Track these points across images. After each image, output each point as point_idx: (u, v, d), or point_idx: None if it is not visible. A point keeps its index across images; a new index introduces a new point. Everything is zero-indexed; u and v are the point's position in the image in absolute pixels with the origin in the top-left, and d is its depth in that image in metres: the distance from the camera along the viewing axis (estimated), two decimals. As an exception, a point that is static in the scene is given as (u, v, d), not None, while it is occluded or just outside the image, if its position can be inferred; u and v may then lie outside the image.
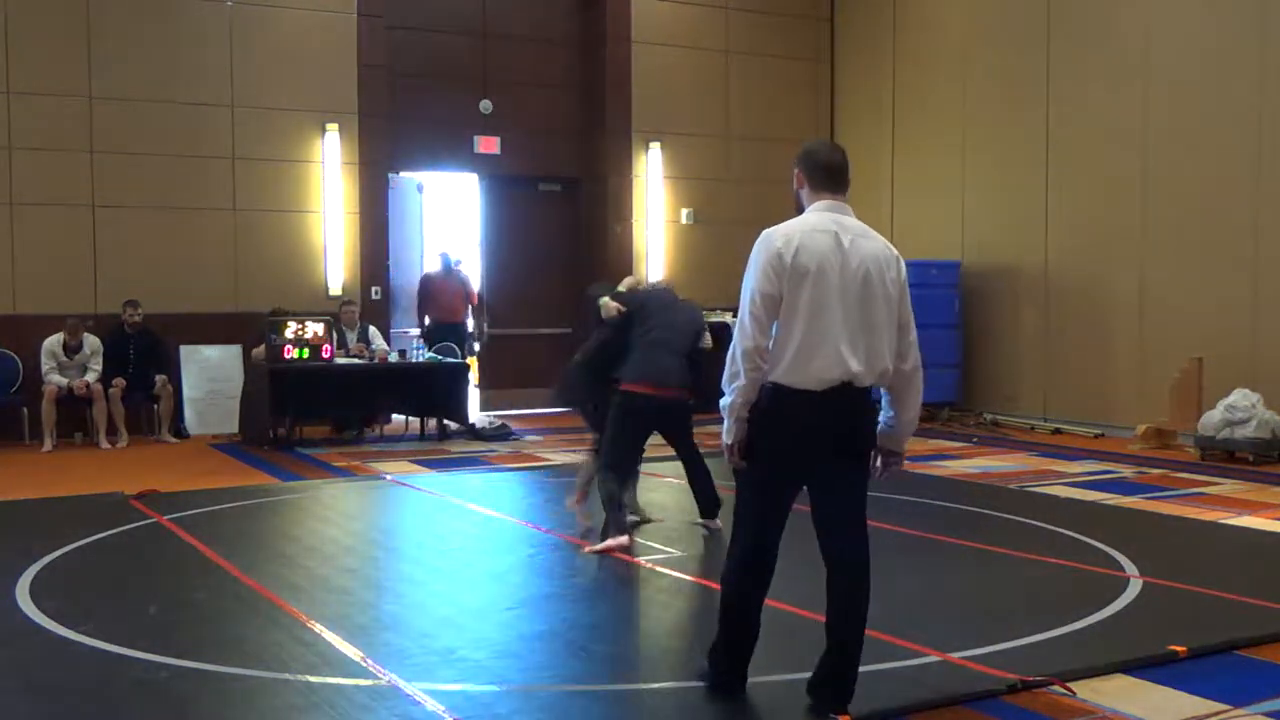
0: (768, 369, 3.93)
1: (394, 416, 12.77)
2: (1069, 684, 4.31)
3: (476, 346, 13.75)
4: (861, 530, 4.08)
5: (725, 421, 4.00)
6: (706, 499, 7.35)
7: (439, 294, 13.27)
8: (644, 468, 9.71)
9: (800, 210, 4.14)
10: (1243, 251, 10.85)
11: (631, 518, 7.27)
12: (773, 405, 3.94)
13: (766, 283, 3.91)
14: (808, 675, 4.26)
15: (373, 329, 12.23)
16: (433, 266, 13.52)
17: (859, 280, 3.94)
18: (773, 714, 4.15)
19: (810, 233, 3.97)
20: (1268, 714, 4.09)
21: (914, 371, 4.11)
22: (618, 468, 6.96)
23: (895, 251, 4.11)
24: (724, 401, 3.99)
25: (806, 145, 4.20)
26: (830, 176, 4.10)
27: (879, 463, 4.15)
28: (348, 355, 11.74)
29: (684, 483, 9.04)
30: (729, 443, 4.00)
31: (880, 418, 4.14)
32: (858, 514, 4.08)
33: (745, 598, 4.10)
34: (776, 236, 3.96)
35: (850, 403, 3.96)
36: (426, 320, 13.24)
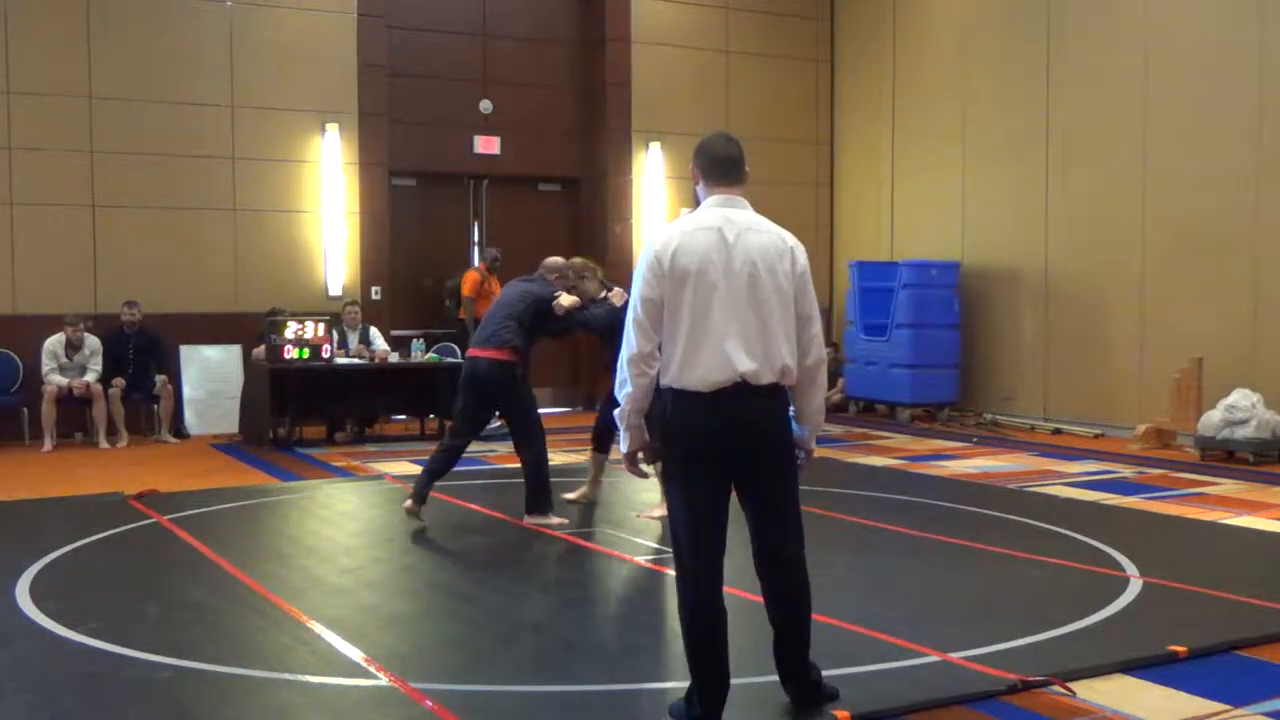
0: (659, 374, 3.89)
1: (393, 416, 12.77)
2: (1069, 684, 4.31)
3: None
4: (790, 532, 4.03)
5: (620, 431, 3.98)
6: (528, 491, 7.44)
7: (489, 293, 13.15)
8: (642, 467, 9.71)
9: (697, 203, 4.08)
10: (1243, 251, 10.85)
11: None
12: (669, 411, 3.90)
13: (646, 287, 3.87)
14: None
15: (374, 329, 12.23)
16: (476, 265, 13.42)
17: (745, 276, 3.85)
18: (772, 713, 4.15)
19: (692, 232, 3.90)
20: (1268, 714, 4.09)
21: (816, 366, 4.00)
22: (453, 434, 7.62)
23: (792, 242, 4.01)
24: (617, 413, 3.97)
25: (702, 139, 4.10)
26: (722, 170, 4.01)
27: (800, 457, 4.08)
28: (348, 356, 11.74)
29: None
30: (626, 451, 4.00)
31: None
32: (782, 515, 4.02)
33: (700, 617, 3.96)
34: (657, 241, 3.91)
35: (749, 402, 3.84)
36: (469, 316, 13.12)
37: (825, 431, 12.60)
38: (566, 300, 7.53)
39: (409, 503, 7.35)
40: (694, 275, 3.83)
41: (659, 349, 3.88)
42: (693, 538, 3.93)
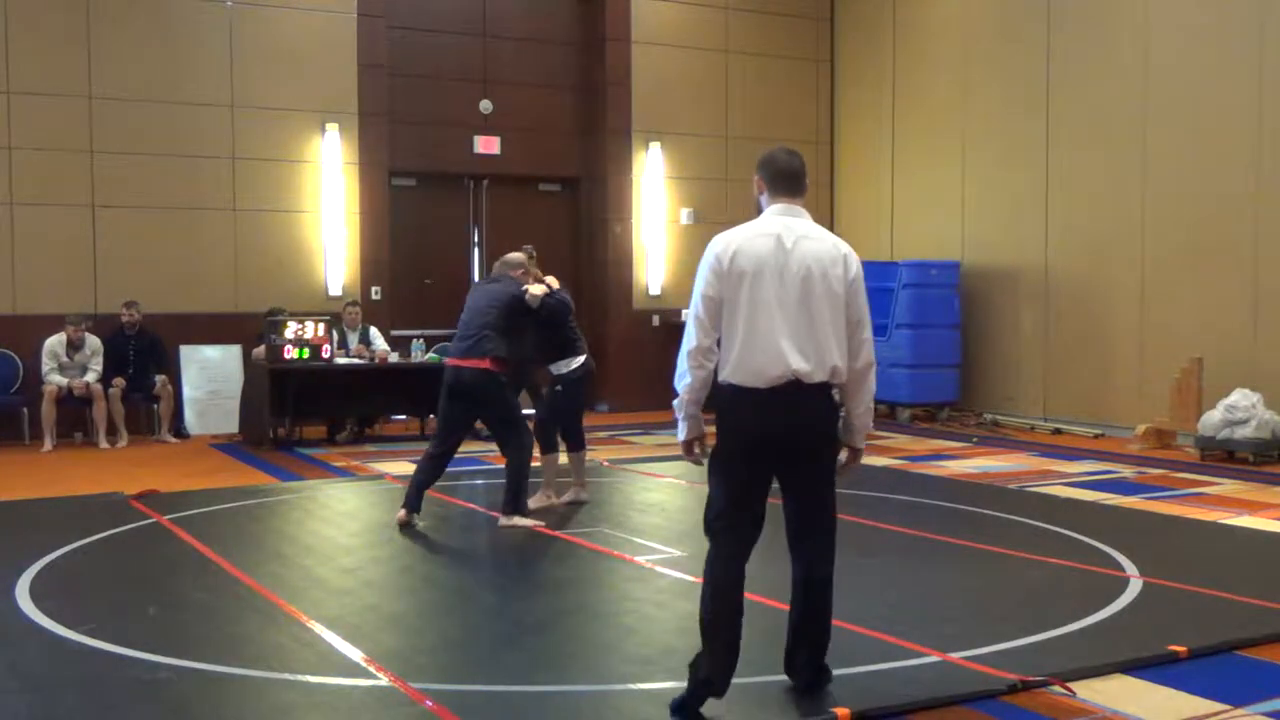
0: (718, 368, 4.09)
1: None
2: (1069, 684, 4.31)
3: None
4: (824, 527, 4.21)
5: (679, 420, 4.16)
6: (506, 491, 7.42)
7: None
8: (643, 467, 9.73)
9: (759, 213, 4.28)
10: (1243, 251, 10.85)
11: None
12: (726, 403, 4.10)
13: (707, 286, 4.08)
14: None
15: (374, 329, 12.23)
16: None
17: (799, 280, 4.05)
18: (771, 713, 4.15)
19: (752, 238, 4.12)
20: (1268, 714, 4.09)
21: (866, 369, 4.18)
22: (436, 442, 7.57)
23: (845, 251, 4.20)
24: (676, 403, 4.16)
25: (765, 153, 4.37)
26: (785, 181, 4.26)
27: (843, 457, 4.27)
28: (348, 356, 11.73)
29: (687, 483, 9.07)
30: (683, 439, 4.19)
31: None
32: (820, 513, 4.20)
33: (718, 589, 4.11)
34: (718, 242, 4.14)
35: (801, 400, 4.04)
36: None
37: (703, 449, 12.59)
38: (537, 289, 7.55)
39: (401, 513, 7.36)
40: (751, 277, 4.04)
41: (717, 344, 4.08)
42: (726, 521, 4.11)
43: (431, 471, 7.44)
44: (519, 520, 7.30)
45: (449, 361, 7.48)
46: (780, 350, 4.00)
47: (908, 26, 14.39)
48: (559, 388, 7.86)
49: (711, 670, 4.05)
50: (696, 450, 4.21)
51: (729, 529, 4.11)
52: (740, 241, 4.11)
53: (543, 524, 7.35)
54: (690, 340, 4.09)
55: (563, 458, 8.09)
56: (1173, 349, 11.16)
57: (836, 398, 4.19)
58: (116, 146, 11.98)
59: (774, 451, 4.08)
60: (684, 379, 4.10)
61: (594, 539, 6.99)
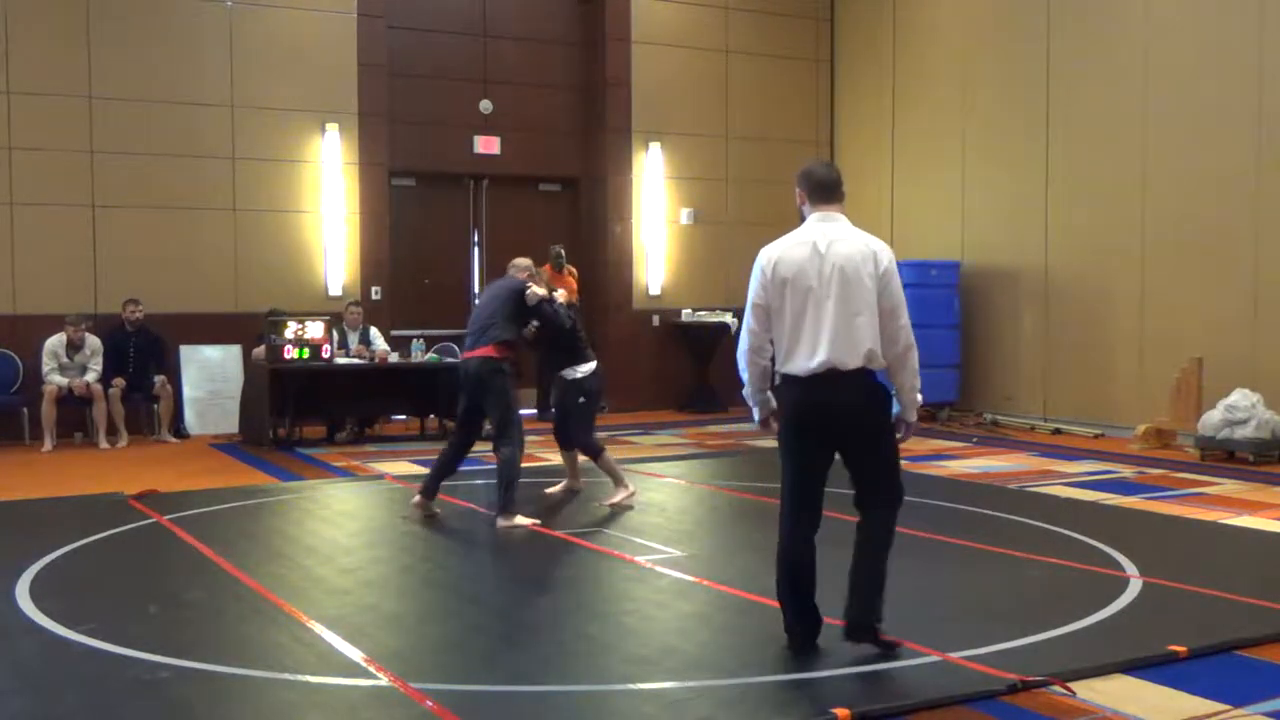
0: (772, 361, 4.72)
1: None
2: (1069, 684, 4.31)
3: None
4: (881, 494, 4.70)
5: (752, 406, 4.88)
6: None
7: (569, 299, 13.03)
8: (643, 467, 9.73)
9: (802, 220, 4.78)
10: (1243, 252, 10.85)
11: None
12: (782, 390, 4.72)
13: (755, 295, 4.71)
14: (806, 675, 4.35)
15: (374, 330, 12.23)
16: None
17: (833, 280, 4.57)
18: (771, 713, 4.15)
19: (791, 247, 4.68)
20: (1268, 714, 4.09)
21: (905, 352, 4.67)
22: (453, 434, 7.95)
23: (877, 246, 4.67)
24: (744, 393, 4.86)
25: (805, 166, 4.86)
26: (823, 191, 4.75)
27: (900, 429, 4.78)
28: (348, 356, 11.74)
29: (687, 483, 9.07)
30: (758, 420, 4.88)
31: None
32: (878, 483, 4.70)
33: (786, 555, 4.67)
34: (763, 254, 4.73)
35: (838, 385, 4.56)
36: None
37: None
38: (540, 290, 7.84)
39: (417, 498, 7.63)
40: (791, 282, 4.61)
41: (770, 342, 4.70)
42: (794, 492, 4.68)
43: (448, 461, 7.70)
44: (519, 519, 7.33)
45: (462, 355, 7.86)
46: (816, 344, 4.54)
47: (908, 26, 14.39)
48: (583, 399, 8.10)
49: (792, 641, 4.71)
50: (773, 425, 4.79)
51: (794, 499, 4.67)
52: (781, 252, 4.67)
53: (538, 522, 7.39)
54: (744, 341, 4.74)
55: (558, 457, 8.17)
56: (1173, 349, 11.16)
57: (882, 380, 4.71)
58: (116, 146, 11.99)
59: (821, 429, 4.62)
60: (744, 373, 4.77)
61: (594, 539, 6.99)
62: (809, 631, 4.69)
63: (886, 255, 4.64)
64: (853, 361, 4.55)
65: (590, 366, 8.11)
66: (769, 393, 4.80)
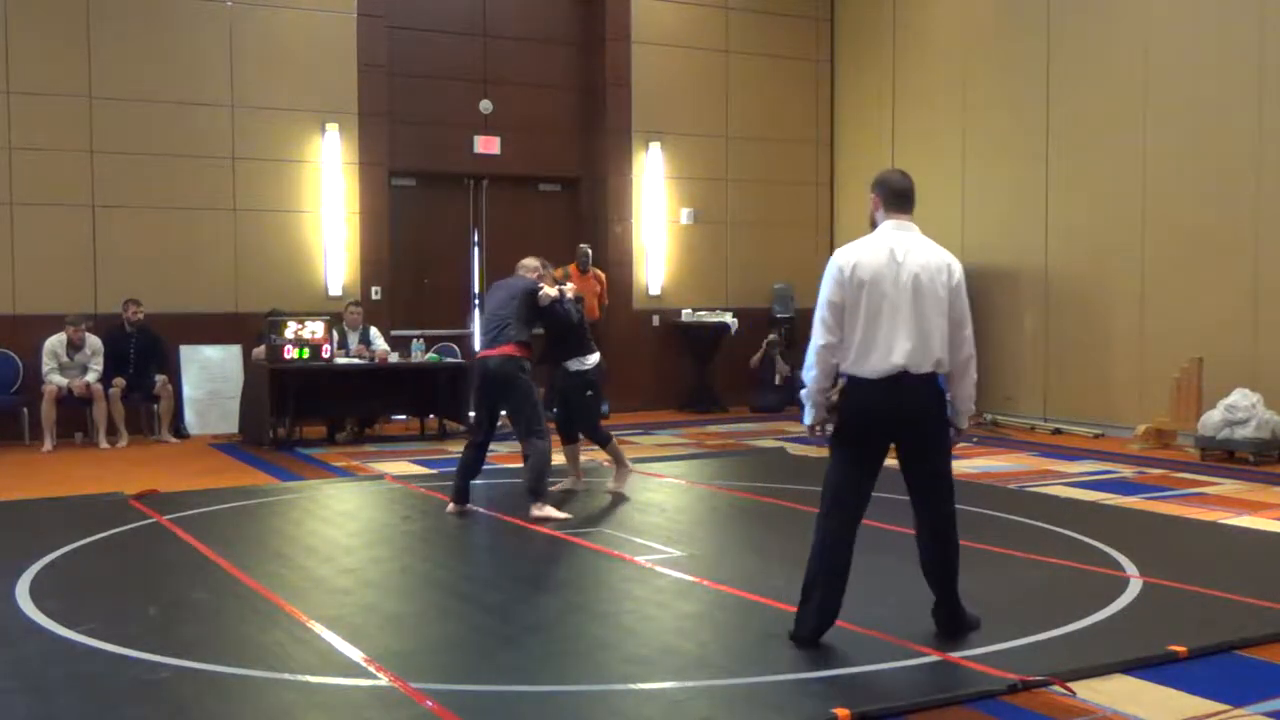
0: (840, 362, 4.77)
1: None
2: (1069, 684, 4.31)
3: None
4: (942, 492, 4.87)
5: (805, 406, 4.83)
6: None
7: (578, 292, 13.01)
8: (643, 467, 9.73)
9: (874, 227, 4.95)
10: (1243, 251, 10.85)
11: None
12: (847, 391, 4.82)
13: (830, 293, 4.76)
14: (805, 675, 4.35)
15: (374, 329, 12.23)
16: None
17: (909, 286, 4.72)
18: (771, 713, 4.15)
19: (869, 251, 4.80)
20: (1268, 714, 4.09)
21: (967, 361, 4.87)
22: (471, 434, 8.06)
23: (949, 260, 4.86)
24: (803, 392, 4.84)
25: (880, 174, 5.05)
26: (898, 200, 4.95)
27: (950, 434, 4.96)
28: (348, 356, 11.74)
29: (687, 483, 9.08)
30: (808, 423, 4.86)
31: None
32: (935, 480, 4.86)
33: (821, 549, 4.79)
34: (840, 255, 4.85)
35: (908, 388, 4.71)
36: None
37: (825, 432, 12.58)
38: (553, 291, 7.96)
39: (451, 506, 7.80)
40: (868, 284, 4.71)
41: (839, 342, 4.74)
42: (839, 491, 4.81)
43: (472, 462, 7.83)
44: (550, 510, 7.49)
45: (478, 354, 7.97)
46: (891, 347, 4.68)
47: (908, 26, 14.39)
48: (590, 393, 8.31)
49: (799, 629, 4.77)
50: (819, 432, 4.85)
51: (839, 499, 4.78)
52: (859, 255, 4.78)
53: (571, 517, 7.54)
54: (817, 339, 4.76)
55: (559, 457, 8.23)
56: (1173, 349, 11.16)
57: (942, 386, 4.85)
58: (116, 146, 11.99)
59: (885, 432, 4.76)
60: (810, 371, 4.78)
61: (594, 539, 6.99)
62: (821, 629, 4.78)
63: (958, 269, 4.85)
64: (924, 366, 4.72)
65: (595, 358, 8.31)
66: (828, 395, 4.89)
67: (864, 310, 4.71)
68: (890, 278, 4.72)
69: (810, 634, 4.76)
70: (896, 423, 4.75)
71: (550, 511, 7.47)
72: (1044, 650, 4.75)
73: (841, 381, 4.83)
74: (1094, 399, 12.17)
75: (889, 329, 4.69)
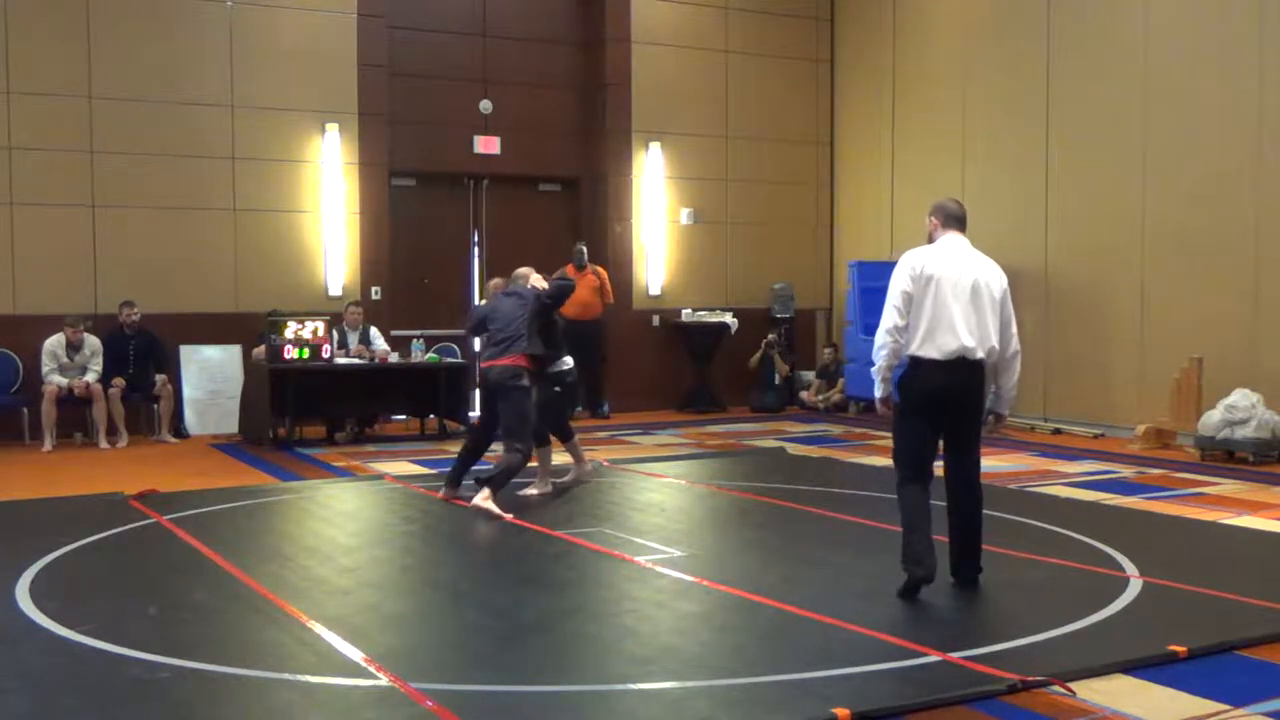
0: (905, 344, 5.59)
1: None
2: (1069, 684, 4.31)
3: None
4: (975, 460, 5.78)
5: (875, 381, 5.68)
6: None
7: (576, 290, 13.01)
8: (643, 467, 9.74)
9: (931, 241, 5.86)
10: (1243, 251, 10.85)
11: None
12: (911, 371, 5.64)
13: (903, 284, 5.62)
14: (805, 675, 4.33)
15: (374, 329, 12.23)
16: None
17: (969, 287, 5.60)
18: (771, 713, 4.15)
19: (936, 255, 5.70)
20: (1268, 714, 4.09)
21: (1014, 356, 5.78)
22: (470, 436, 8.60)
23: (999, 270, 5.78)
24: (873, 369, 5.67)
25: (937, 202, 6.04)
26: (956, 222, 5.89)
27: (991, 420, 5.91)
28: (348, 356, 11.74)
29: (687, 483, 9.08)
30: (877, 397, 5.73)
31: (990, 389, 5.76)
32: (973, 451, 5.75)
33: (913, 504, 5.55)
34: (912, 255, 5.72)
35: (966, 370, 5.56)
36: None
37: (825, 432, 12.60)
38: (544, 283, 8.34)
39: (443, 492, 8.17)
40: (936, 280, 5.59)
41: (907, 327, 5.57)
42: (910, 457, 5.66)
43: (470, 452, 8.39)
44: (492, 505, 7.56)
45: (482, 363, 8.30)
46: (956, 332, 5.52)
47: (908, 26, 14.39)
48: (558, 389, 8.55)
49: (917, 558, 5.46)
50: (886, 407, 5.66)
51: (908, 468, 5.62)
52: (927, 256, 5.69)
53: (510, 515, 7.54)
54: (888, 321, 5.59)
55: (563, 456, 8.21)
56: (1173, 349, 11.16)
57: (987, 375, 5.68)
58: (116, 146, 11.99)
59: (942, 408, 5.58)
60: (881, 350, 5.60)
61: (594, 539, 6.99)
62: (933, 567, 5.47)
63: (1005, 278, 5.76)
64: (979, 353, 5.57)
65: (570, 361, 8.60)
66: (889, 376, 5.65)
67: (930, 302, 5.55)
68: (953, 278, 5.59)
69: (929, 572, 5.44)
70: (953, 399, 5.56)
71: (491, 506, 7.56)
72: (1044, 650, 4.75)
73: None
74: (1094, 399, 12.17)
75: (951, 319, 5.53)
